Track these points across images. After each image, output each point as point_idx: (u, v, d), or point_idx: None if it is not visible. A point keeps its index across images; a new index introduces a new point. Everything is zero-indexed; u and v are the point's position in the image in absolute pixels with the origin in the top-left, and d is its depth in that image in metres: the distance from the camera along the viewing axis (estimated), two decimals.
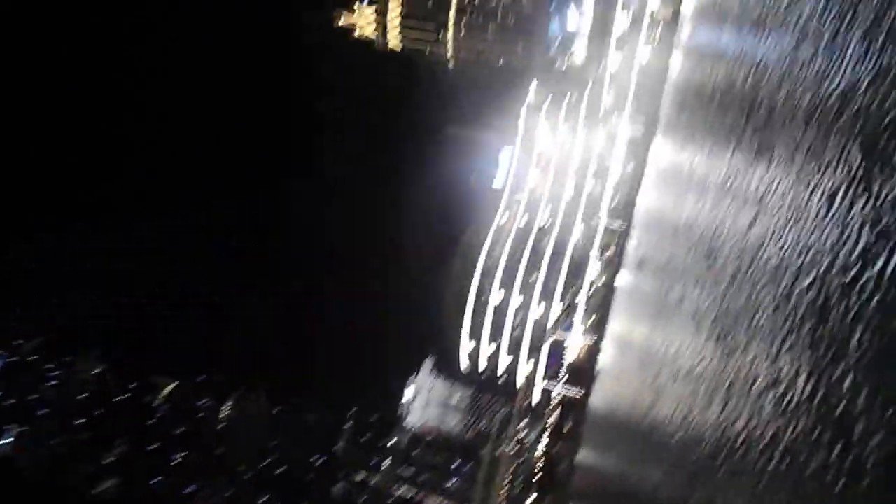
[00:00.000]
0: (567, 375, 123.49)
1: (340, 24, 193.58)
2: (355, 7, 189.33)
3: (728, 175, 19.57)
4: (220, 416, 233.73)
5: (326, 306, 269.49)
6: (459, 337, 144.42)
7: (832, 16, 10.91)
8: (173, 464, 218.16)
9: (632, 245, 76.95)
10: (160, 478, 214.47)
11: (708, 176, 24.17)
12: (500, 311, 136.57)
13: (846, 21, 9.76)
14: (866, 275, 7.01)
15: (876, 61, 7.94)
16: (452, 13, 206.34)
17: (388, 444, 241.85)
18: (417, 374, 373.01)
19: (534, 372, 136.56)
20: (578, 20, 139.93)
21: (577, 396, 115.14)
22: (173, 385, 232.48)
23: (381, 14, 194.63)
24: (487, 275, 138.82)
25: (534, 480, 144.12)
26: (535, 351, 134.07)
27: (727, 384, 12.92)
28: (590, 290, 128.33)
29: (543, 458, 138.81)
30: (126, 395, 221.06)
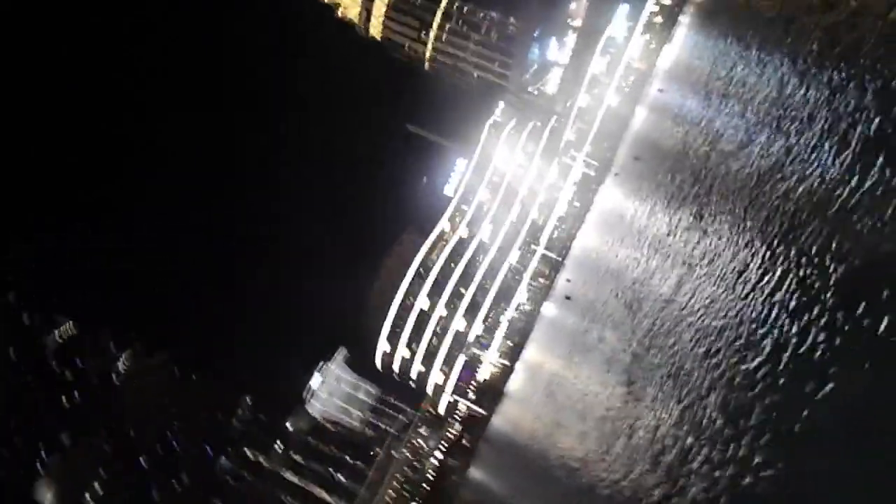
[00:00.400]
0: (475, 392, 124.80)
1: (326, 0, 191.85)
2: None
3: (665, 233, 20.35)
4: (119, 370, 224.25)
5: (253, 284, 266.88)
6: (378, 334, 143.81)
7: (792, 111, 11.60)
8: (56, 408, 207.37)
9: (562, 278, 78.75)
10: (37, 421, 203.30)
11: (646, 229, 25.05)
12: (423, 317, 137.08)
13: (801, 120, 10.40)
14: (773, 356, 7.43)
15: (823, 161, 8.48)
16: (439, 15, 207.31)
17: (285, 427, 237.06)
18: (328, 362, 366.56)
19: (444, 383, 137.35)
20: (558, 52, 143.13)
21: (481, 414, 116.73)
22: (72, 327, 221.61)
23: (370, 0, 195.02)
24: (418, 279, 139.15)
25: (421, 487, 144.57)
26: (449, 362, 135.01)
27: (626, 433, 13.40)
28: (514, 313, 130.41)
29: (436, 469, 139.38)
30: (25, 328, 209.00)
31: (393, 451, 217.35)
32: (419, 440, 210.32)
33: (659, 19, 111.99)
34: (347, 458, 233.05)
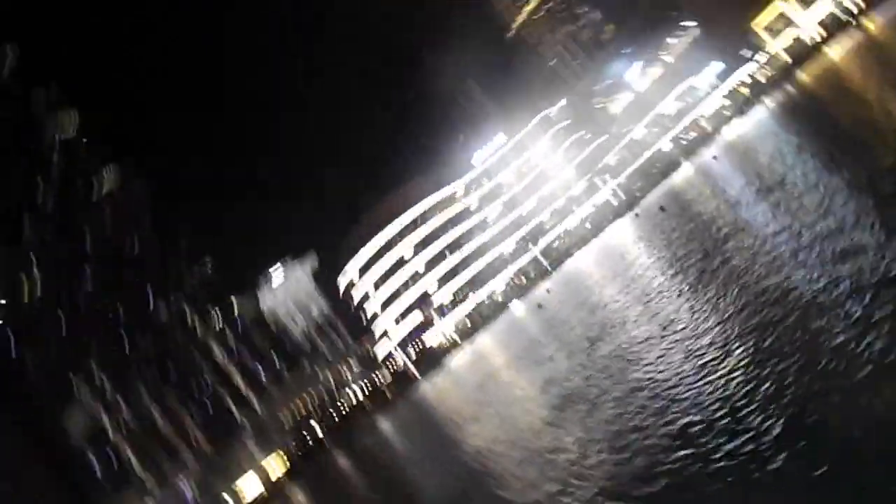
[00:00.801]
0: (417, 353, 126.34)
1: None
2: None
3: (655, 289, 20.30)
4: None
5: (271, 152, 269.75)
6: (350, 260, 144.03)
7: (827, 239, 11.56)
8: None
9: (544, 286, 79.26)
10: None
11: (640, 278, 25.05)
12: (400, 264, 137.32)
13: (834, 253, 10.36)
14: (701, 449, 7.51)
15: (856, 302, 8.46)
16: None
17: (230, 303, 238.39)
18: (295, 262, 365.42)
19: (392, 331, 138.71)
20: (638, 77, 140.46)
21: (413, 374, 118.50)
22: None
23: None
24: (412, 226, 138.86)
25: (328, 413, 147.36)
26: (405, 315, 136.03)
27: (537, 452, 13.62)
28: (484, 298, 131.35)
29: (350, 404, 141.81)
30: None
31: (317, 370, 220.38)
32: (346, 372, 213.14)
33: (745, 91, 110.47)
34: (274, 357, 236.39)
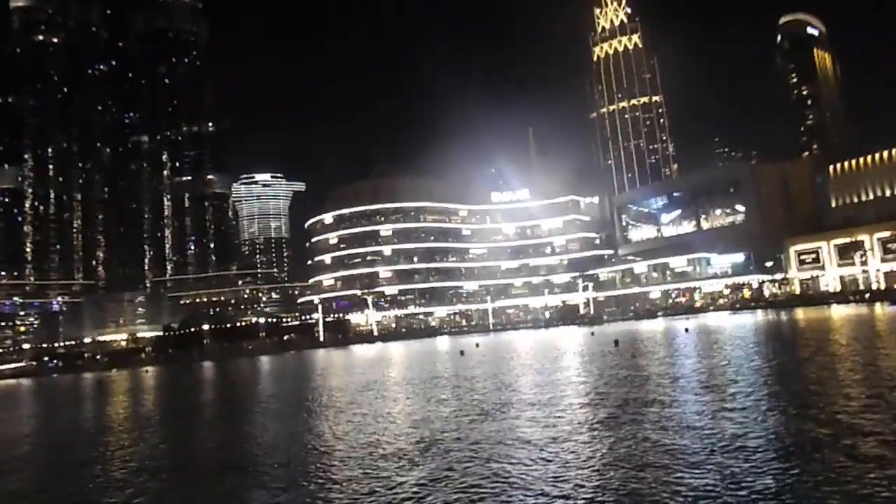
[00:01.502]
0: (331, 320, 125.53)
1: None
2: None
3: (561, 399, 20.04)
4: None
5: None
6: (337, 205, 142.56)
7: (710, 455, 11.19)
8: None
9: (474, 338, 79.57)
10: None
11: (557, 384, 24.93)
12: (372, 238, 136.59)
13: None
14: None
15: None
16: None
17: (207, 176, 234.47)
18: (281, 177, 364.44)
19: (324, 287, 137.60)
20: (669, 221, 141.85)
21: (315, 334, 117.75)
22: None
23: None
24: (399, 211, 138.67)
25: (231, 321, 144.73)
26: (347, 282, 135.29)
27: (374, 479, 13.01)
28: (419, 314, 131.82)
29: (257, 320, 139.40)
30: None
31: (240, 282, 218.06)
32: (262, 294, 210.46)
33: (747, 293, 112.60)
34: (211, 240, 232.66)
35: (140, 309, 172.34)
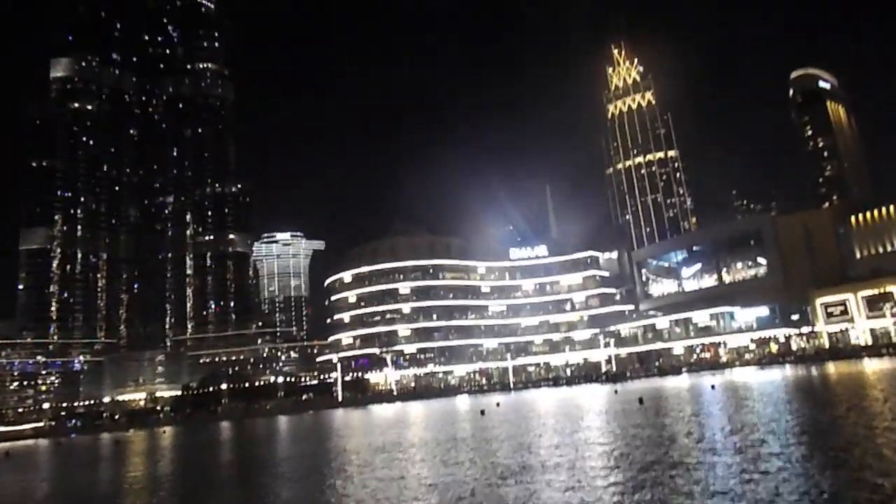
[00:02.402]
0: (350, 378, 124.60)
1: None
2: None
3: (584, 460, 19.38)
4: None
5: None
6: (355, 264, 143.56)
7: None
8: None
9: (495, 398, 77.99)
10: None
11: (578, 443, 24.11)
12: (391, 295, 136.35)
13: None
14: None
15: None
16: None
17: (228, 234, 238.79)
18: (303, 237, 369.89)
19: (343, 346, 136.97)
20: (691, 276, 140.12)
21: (334, 393, 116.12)
22: None
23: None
24: (418, 269, 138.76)
25: (243, 378, 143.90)
26: (367, 340, 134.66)
27: None
28: (442, 373, 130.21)
29: (275, 380, 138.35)
30: None
31: (259, 340, 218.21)
32: (281, 353, 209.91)
33: (773, 347, 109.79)
34: (231, 298, 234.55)
35: (160, 368, 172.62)
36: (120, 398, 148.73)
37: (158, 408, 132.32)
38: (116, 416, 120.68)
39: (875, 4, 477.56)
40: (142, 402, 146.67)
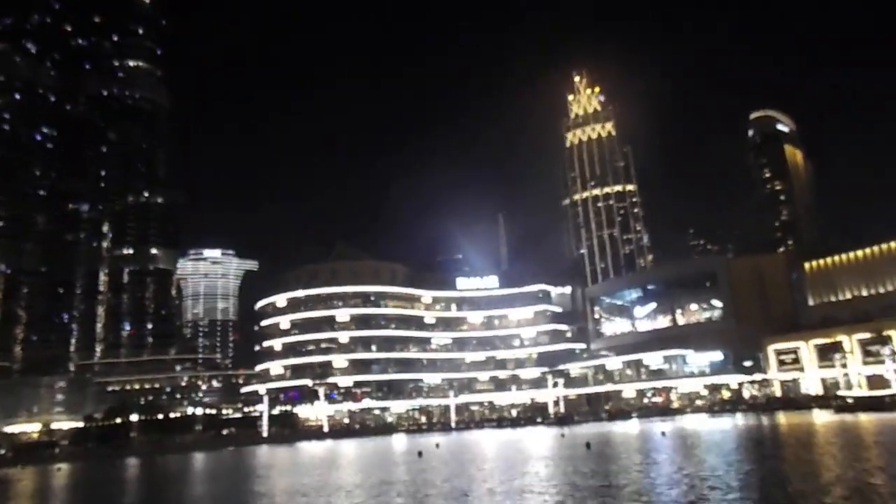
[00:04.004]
0: (278, 412, 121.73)
1: None
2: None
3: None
4: None
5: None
6: (292, 286, 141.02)
7: None
8: None
9: (434, 438, 77.42)
10: None
11: (518, 491, 24.16)
12: (328, 323, 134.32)
13: None
14: None
15: None
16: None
17: (149, 249, 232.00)
18: (232, 254, 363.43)
19: (271, 376, 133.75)
20: (644, 315, 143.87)
21: (258, 428, 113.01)
22: None
23: None
24: (356, 296, 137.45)
25: (159, 410, 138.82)
26: (298, 371, 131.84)
27: None
28: (377, 411, 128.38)
29: (193, 412, 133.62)
30: None
31: (178, 367, 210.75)
32: (202, 382, 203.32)
33: (726, 394, 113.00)
34: (149, 319, 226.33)
35: (59, 395, 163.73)
36: (8, 430, 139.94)
37: (54, 441, 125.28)
38: (3, 451, 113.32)
39: (833, 52, 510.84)
40: (35, 435, 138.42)
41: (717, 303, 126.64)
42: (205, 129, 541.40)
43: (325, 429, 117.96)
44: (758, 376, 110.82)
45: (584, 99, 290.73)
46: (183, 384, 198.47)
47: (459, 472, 34.13)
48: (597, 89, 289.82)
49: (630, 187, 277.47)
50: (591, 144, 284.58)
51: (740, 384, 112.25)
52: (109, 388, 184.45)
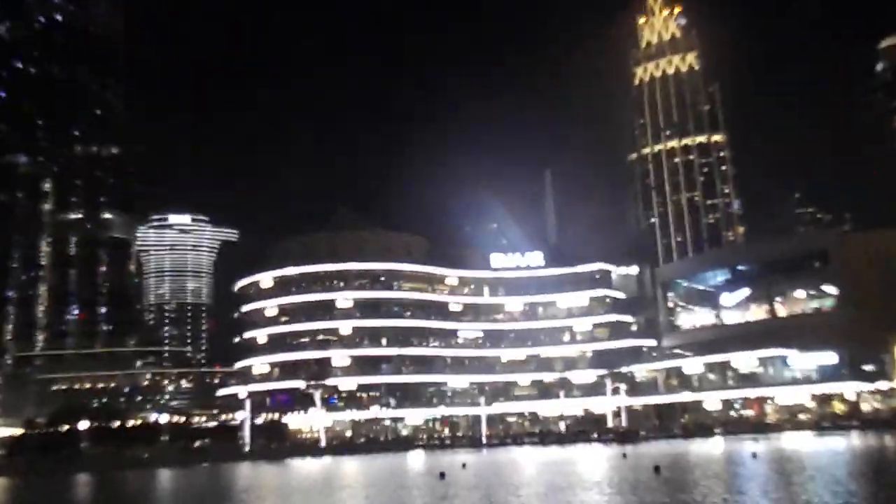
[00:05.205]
0: (264, 419, 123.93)
1: None
2: None
3: None
4: None
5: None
6: (278, 263, 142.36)
7: None
8: None
9: (461, 457, 78.48)
10: None
11: None
12: (325, 310, 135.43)
13: None
14: None
15: None
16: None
17: (104, 217, 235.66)
18: (210, 223, 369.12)
19: (257, 376, 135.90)
20: (733, 304, 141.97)
21: (237, 436, 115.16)
22: None
23: None
24: (361, 276, 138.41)
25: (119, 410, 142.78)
26: (287, 370, 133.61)
27: None
28: (390, 421, 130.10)
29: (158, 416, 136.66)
30: None
31: (138, 363, 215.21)
32: (169, 382, 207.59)
33: (839, 406, 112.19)
34: (102, 302, 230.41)
35: None
36: None
37: None
38: None
39: None
40: None
41: (829, 289, 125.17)
42: (176, 66, 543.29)
43: (323, 443, 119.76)
44: (882, 384, 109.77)
45: (660, 23, 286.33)
46: (145, 384, 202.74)
47: (493, 500, 34.42)
48: (676, 10, 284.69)
49: (717, 138, 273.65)
50: (666, 82, 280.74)
51: (858, 394, 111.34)
52: (54, 387, 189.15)
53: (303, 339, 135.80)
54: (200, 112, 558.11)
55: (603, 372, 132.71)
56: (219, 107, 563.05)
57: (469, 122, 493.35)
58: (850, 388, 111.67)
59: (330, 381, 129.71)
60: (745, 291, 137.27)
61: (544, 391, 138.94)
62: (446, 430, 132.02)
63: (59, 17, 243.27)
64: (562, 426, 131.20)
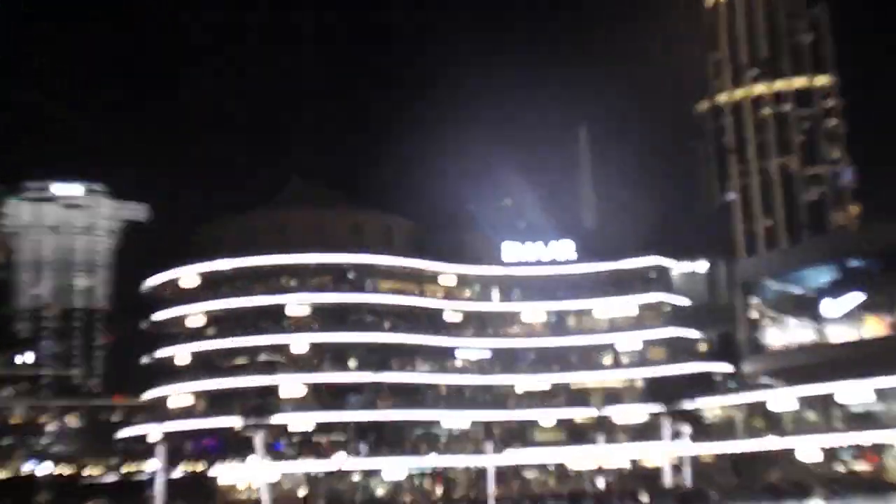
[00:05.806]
0: (189, 474, 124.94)
1: None
2: None
3: None
4: None
5: None
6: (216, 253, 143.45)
7: None
8: None
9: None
10: None
11: None
12: (275, 317, 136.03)
13: None
14: None
15: None
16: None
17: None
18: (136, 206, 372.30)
19: (177, 410, 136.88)
20: (838, 312, 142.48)
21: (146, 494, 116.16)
22: None
23: None
24: (327, 278, 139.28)
25: None
26: (219, 406, 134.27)
27: None
28: (359, 474, 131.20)
29: None
30: None
31: (6, 390, 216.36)
32: (48, 418, 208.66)
33: None
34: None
35: None
36: None
37: None
38: None
39: None
40: None
41: None
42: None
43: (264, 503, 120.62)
44: None
45: None
46: (14, 421, 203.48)
47: None
48: None
49: (824, 81, 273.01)
50: (751, 2, 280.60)
51: None
52: None
53: (239, 360, 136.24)
54: (109, 47, 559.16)
55: (658, 408, 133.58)
56: (137, 44, 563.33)
57: (471, 54, 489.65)
58: None
59: (277, 419, 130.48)
60: (859, 297, 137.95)
61: (576, 434, 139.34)
62: (438, 489, 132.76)
63: None
64: (600, 483, 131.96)
